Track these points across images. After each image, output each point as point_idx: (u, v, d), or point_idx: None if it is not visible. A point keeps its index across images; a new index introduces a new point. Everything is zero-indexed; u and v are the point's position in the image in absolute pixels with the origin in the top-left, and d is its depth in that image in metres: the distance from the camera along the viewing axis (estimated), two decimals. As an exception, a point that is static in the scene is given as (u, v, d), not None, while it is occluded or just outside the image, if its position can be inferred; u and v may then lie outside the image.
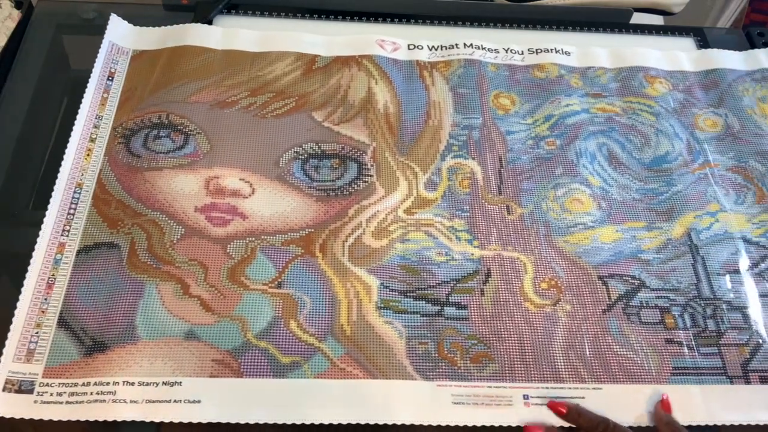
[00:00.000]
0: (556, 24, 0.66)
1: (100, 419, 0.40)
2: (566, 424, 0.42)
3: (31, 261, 0.45)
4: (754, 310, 0.47)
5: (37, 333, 0.43)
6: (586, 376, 0.44)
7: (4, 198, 0.49)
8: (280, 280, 0.46)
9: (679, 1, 0.69)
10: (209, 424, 0.41)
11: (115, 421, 0.40)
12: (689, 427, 0.42)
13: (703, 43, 0.66)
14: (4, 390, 0.41)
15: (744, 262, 0.49)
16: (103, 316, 0.43)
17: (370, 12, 0.65)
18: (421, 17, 0.65)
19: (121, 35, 0.59)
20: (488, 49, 0.61)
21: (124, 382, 0.41)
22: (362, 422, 0.41)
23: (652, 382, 0.44)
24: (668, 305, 0.47)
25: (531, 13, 0.67)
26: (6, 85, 0.56)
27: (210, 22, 0.62)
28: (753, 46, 0.66)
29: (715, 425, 0.43)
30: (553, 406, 0.42)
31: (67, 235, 0.47)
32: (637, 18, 0.70)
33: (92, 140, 0.52)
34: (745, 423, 0.43)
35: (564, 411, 0.42)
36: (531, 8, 0.68)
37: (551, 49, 0.61)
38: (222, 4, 0.62)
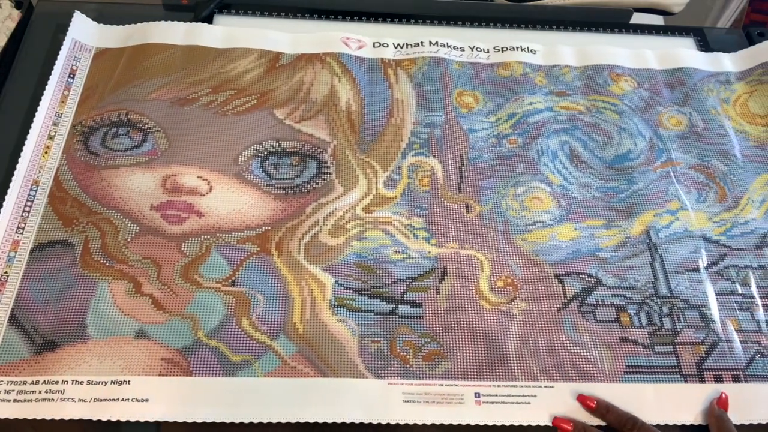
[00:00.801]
0: (556, 24, 0.65)
1: (48, 418, 0.40)
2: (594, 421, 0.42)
3: (-16, 259, 0.45)
4: (711, 308, 0.47)
5: (-13, 331, 0.43)
6: (538, 374, 0.43)
7: (3, 198, 0.49)
8: (233, 278, 0.46)
9: (679, 1, 0.69)
10: (210, 424, 0.40)
11: (116, 421, 0.40)
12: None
13: (703, 43, 0.65)
14: (-49, 387, 0.40)
15: (703, 261, 0.49)
16: (54, 315, 0.43)
17: (370, 12, 0.64)
18: (421, 17, 0.65)
19: (85, 33, 0.59)
20: (453, 47, 0.61)
21: (73, 381, 0.41)
22: (311, 421, 0.41)
23: (604, 380, 0.43)
24: (624, 303, 0.47)
25: (531, 13, 0.67)
26: (6, 85, 0.56)
27: (210, 21, 0.61)
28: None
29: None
30: (583, 399, 0.42)
31: (22, 233, 0.47)
32: (637, 18, 0.69)
33: (51, 138, 0.52)
34: (696, 423, 0.43)
35: (593, 405, 0.42)
36: (531, 8, 0.67)
37: (517, 47, 0.61)
38: (214, 4, 0.62)
